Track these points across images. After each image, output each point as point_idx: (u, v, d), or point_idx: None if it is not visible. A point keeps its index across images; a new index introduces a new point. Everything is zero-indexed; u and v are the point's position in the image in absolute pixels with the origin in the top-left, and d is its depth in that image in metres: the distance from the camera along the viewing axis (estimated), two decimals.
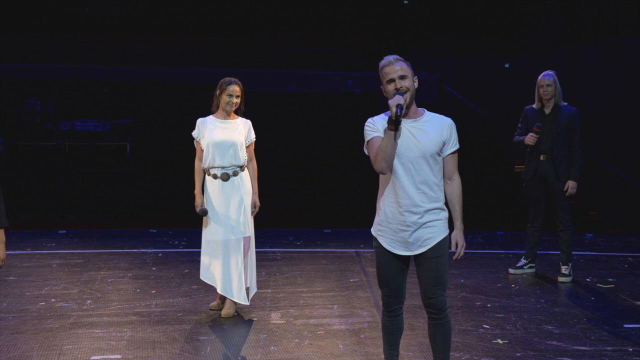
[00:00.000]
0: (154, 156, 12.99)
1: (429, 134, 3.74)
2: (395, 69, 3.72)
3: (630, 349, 4.95)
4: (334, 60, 19.71)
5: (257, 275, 6.04)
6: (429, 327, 3.90)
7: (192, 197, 5.64)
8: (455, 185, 3.85)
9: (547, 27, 19.45)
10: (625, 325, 5.46)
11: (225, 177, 5.51)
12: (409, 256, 3.82)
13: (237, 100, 5.53)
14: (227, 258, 5.52)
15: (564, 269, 6.84)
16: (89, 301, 5.90)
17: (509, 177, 13.23)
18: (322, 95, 16.48)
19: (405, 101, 3.66)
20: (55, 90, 15.02)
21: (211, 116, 5.59)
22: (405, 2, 21.77)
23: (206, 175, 5.58)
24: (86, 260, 7.34)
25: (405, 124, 3.72)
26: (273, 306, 5.86)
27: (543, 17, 19.43)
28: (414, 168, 3.72)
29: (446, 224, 3.82)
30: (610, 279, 6.91)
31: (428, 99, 17.92)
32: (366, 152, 3.82)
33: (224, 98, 5.50)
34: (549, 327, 5.40)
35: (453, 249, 3.82)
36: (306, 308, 5.82)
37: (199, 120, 5.58)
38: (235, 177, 5.54)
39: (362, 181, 12.09)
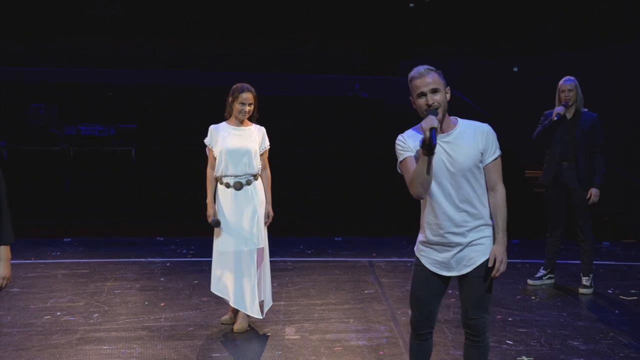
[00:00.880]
0: (159, 161, 12.78)
1: (463, 148, 3.47)
2: (427, 82, 3.41)
3: None
4: (339, 63, 19.50)
5: None
6: (465, 347, 3.67)
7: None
8: (499, 197, 3.57)
9: (552, 29, 19.30)
10: None
11: (239, 186, 5.30)
12: (450, 277, 3.60)
13: (249, 109, 5.33)
14: (239, 270, 5.31)
15: (585, 280, 6.63)
16: (95, 315, 5.69)
17: (519, 182, 13.00)
18: (329, 98, 16.26)
19: (439, 122, 3.38)
20: (59, 93, 14.80)
21: (224, 123, 5.39)
22: (411, 4, 21.58)
23: (218, 184, 5.38)
24: (92, 270, 7.13)
25: (438, 140, 3.41)
26: (287, 320, 5.65)
27: (550, 18, 19.27)
28: (452, 187, 3.47)
29: (493, 242, 3.57)
30: (633, 291, 6.69)
31: None
32: (399, 171, 3.56)
33: (237, 106, 5.30)
34: (575, 343, 5.18)
35: (491, 264, 3.52)
36: (321, 322, 5.60)
37: (212, 127, 5.37)
38: (249, 187, 5.33)
39: (371, 187, 11.87)
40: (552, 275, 6.88)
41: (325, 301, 6.20)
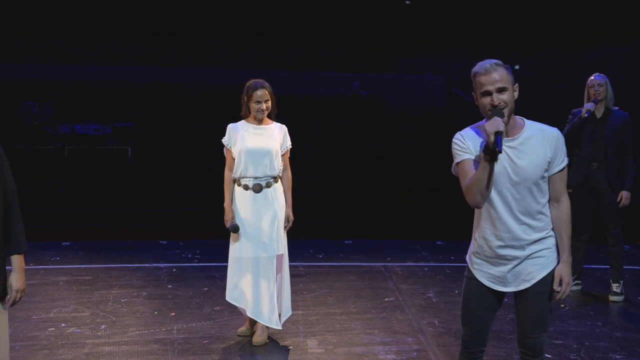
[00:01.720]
0: (157, 160, 12.38)
1: (530, 155, 3.08)
2: (493, 79, 3.02)
3: None
4: (338, 61, 19.17)
5: None
6: None
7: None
8: (563, 210, 3.20)
9: (552, 29, 19.10)
10: None
11: (258, 189, 4.95)
12: (505, 292, 3.27)
13: (267, 106, 4.97)
14: (257, 278, 4.96)
15: (615, 287, 6.32)
16: (103, 326, 5.31)
17: None
18: (328, 97, 15.89)
19: (505, 124, 2.99)
20: (53, 92, 14.35)
21: (243, 121, 5.03)
22: (407, 2, 21.28)
23: (236, 186, 5.02)
24: (95, 277, 6.75)
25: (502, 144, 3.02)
26: (307, 331, 5.30)
27: (550, 18, 19.07)
28: (512, 197, 3.10)
29: (554, 253, 3.23)
30: None
31: (435, 102, 17.41)
32: (454, 174, 3.20)
33: (253, 105, 4.94)
34: (617, 357, 4.86)
35: (556, 287, 3.20)
36: (344, 333, 5.26)
37: (230, 126, 5.01)
38: (269, 189, 4.97)
39: (379, 188, 11.55)
40: (579, 282, 6.57)
41: (344, 310, 5.85)
